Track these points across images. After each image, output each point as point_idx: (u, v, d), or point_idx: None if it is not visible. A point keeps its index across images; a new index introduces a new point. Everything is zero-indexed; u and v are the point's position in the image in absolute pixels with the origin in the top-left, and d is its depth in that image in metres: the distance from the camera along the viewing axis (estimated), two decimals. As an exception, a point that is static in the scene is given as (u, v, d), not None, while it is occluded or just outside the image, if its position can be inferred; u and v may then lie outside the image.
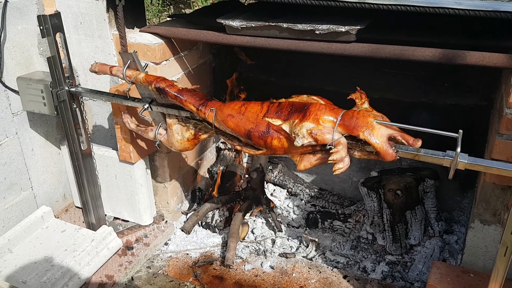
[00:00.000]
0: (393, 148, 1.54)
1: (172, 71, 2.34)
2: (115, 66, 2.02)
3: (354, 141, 1.60)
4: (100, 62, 2.06)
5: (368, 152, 1.59)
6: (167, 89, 1.84)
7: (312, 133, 1.57)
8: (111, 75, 2.00)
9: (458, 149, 1.43)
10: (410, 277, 2.23)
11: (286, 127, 1.66)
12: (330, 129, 1.58)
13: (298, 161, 1.71)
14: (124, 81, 2.24)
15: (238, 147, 1.86)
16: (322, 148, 1.64)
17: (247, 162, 2.91)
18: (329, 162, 1.57)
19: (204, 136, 1.99)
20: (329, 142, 1.56)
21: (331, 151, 1.55)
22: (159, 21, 4.14)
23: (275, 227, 2.57)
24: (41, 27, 1.95)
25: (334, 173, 1.56)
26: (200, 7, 4.23)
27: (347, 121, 1.57)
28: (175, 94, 1.84)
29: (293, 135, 1.61)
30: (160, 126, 2.08)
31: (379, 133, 1.53)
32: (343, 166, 1.55)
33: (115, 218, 2.65)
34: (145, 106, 2.00)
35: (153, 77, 1.89)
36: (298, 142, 1.58)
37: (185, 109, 1.92)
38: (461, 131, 1.42)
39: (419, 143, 1.51)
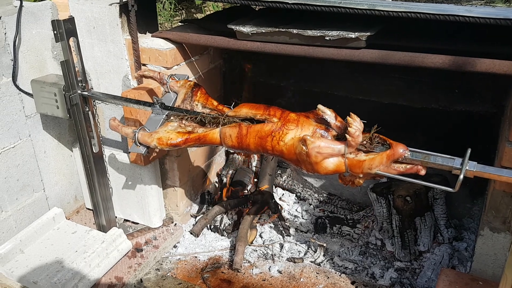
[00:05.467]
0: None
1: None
2: (162, 72, 2.13)
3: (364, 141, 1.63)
4: (149, 68, 2.22)
5: (376, 152, 1.59)
6: (202, 87, 2.04)
7: (334, 112, 1.65)
8: (158, 78, 2.10)
9: (464, 169, 1.44)
10: (418, 284, 2.22)
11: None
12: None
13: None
14: (135, 86, 2.28)
15: (244, 126, 1.79)
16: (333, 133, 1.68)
17: (256, 166, 2.92)
18: (348, 121, 1.56)
19: (198, 130, 1.91)
20: (344, 123, 1.62)
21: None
22: (171, 25, 4.18)
23: (283, 231, 2.57)
24: (55, 32, 1.98)
25: (349, 127, 1.54)
26: (211, 12, 4.26)
27: None
28: (206, 91, 2.03)
29: (316, 108, 1.67)
30: (146, 126, 2.04)
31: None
32: (358, 130, 1.55)
33: (125, 220, 2.68)
34: (156, 107, 2.03)
35: None
36: (320, 106, 1.65)
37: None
38: (469, 149, 1.47)
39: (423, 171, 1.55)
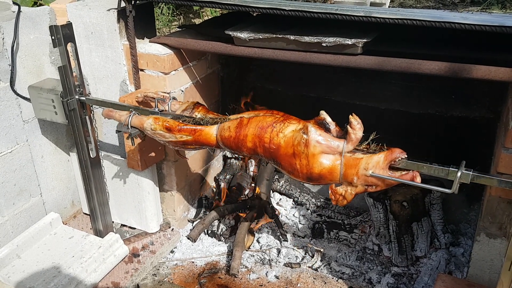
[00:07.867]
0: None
1: (181, 80, 2.37)
2: (166, 93, 2.15)
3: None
4: (155, 90, 2.22)
5: (373, 151, 1.60)
6: (204, 105, 2.06)
7: (334, 121, 1.66)
8: (161, 99, 2.11)
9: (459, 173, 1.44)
10: (415, 289, 2.23)
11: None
12: None
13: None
14: (132, 91, 2.29)
15: (245, 118, 1.81)
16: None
17: (253, 171, 2.92)
18: (349, 118, 1.57)
19: (193, 126, 1.93)
20: (342, 131, 1.62)
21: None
22: (169, 30, 4.19)
23: (280, 236, 2.57)
24: (53, 37, 1.99)
25: (351, 120, 1.56)
26: (209, 17, 4.28)
27: None
28: (207, 107, 2.06)
29: (317, 115, 1.69)
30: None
31: None
32: (360, 123, 1.56)
33: (122, 225, 2.68)
34: (155, 110, 2.06)
35: None
36: (322, 112, 1.66)
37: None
38: (464, 161, 1.48)
39: (418, 178, 1.55)
